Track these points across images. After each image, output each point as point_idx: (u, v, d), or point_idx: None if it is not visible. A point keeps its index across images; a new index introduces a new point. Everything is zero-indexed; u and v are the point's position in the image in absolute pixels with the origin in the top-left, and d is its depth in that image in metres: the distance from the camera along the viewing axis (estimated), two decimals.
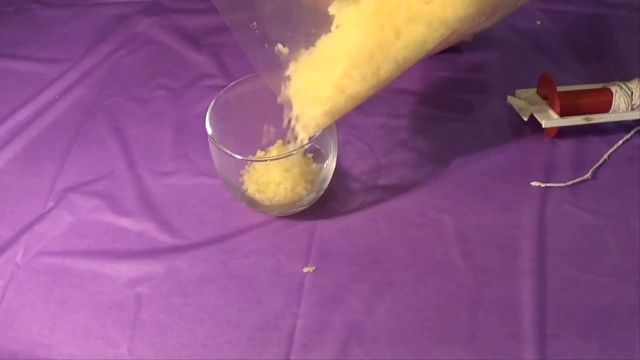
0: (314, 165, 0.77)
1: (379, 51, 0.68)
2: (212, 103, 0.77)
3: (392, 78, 0.71)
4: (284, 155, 0.72)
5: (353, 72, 0.69)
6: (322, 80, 0.71)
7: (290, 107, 0.74)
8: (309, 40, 0.73)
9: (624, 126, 0.84)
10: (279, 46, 0.74)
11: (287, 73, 0.74)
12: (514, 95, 0.87)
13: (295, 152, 0.72)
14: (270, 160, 0.72)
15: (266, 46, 0.74)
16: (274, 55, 0.74)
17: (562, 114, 0.82)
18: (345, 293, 0.72)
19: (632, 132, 0.83)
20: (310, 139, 0.73)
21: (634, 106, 0.82)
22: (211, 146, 0.74)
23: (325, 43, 0.73)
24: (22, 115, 0.97)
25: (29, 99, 1.00)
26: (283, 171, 0.74)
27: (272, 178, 0.74)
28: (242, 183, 0.76)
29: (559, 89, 0.83)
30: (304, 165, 0.75)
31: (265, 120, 0.80)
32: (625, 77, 0.84)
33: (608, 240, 0.74)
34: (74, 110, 0.97)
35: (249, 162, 0.77)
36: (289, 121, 0.75)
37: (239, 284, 0.74)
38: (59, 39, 1.10)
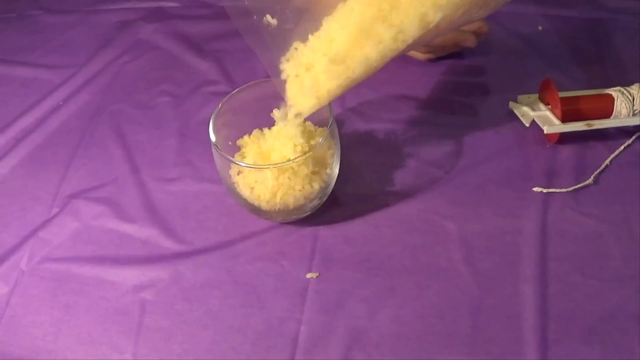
0: (317, 169, 0.76)
1: (378, 24, 0.69)
2: (215, 110, 0.77)
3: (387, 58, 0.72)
4: (286, 162, 0.72)
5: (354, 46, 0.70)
6: (320, 60, 0.72)
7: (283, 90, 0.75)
8: (299, 15, 0.73)
9: (625, 131, 0.84)
10: (268, 17, 0.73)
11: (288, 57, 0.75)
12: (515, 100, 0.88)
13: (298, 159, 0.72)
14: (273, 167, 0.72)
15: (255, 17, 0.73)
16: (266, 30, 0.74)
17: (564, 119, 0.82)
18: (349, 299, 0.72)
19: (634, 137, 0.84)
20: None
21: (635, 111, 0.82)
22: (215, 153, 0.75)
23: (326, 25, 0.73)
24: (25, 121, 0.98)
25: (33, 106, 1.00)
26: (285, 177, 0.74)
27: (272, 183, 0.74)
28: (242, 189, 0.76)
29: (561, 94, 0.83)
30: (305, 170, 0.75)
31: (268, 126, 0.80)
32: (627, 83, 0.84)
33: (610, 245, 0.74)
34: (77, 117, 0.97)
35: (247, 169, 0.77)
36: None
37: (243, 290, 0.74)
38: (62, 45, 1.10)
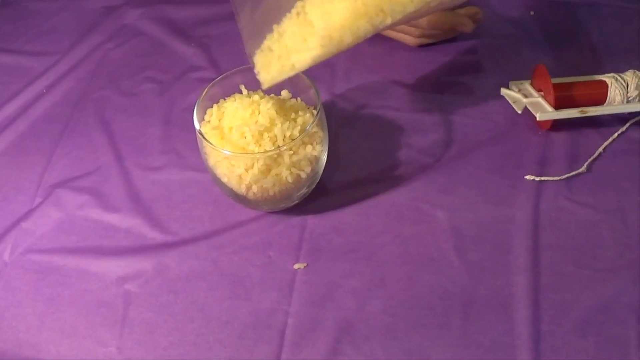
0: (305, 157, 0.74)
1: None
2: (200, 97, 0.76)
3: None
4: (273, 151, 0.71)
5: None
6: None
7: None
8: None
9: (619, 118, 0.83)
10: None
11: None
12: (507, 87, 0.86)
13: (284, 147, 0.71)
14: (259, 154, 0.71)
15: None
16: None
17: (557, 106, 0.81)
18: (337, 290, 0.71)
19: (628, 124, 0.82)
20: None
21: (629, 98, 0.81)
22: (199, 141, 0.73)
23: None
24: (9, 109, 0.96)
25: (16, 93, 0.98)
26: (272, 165, 0.72)
27: (257, 171, 0.72)
28: (227, 178, 0.74)
29: (554, 80, 0.81)
30: (292, 157, 0.73)
31: None
32: (621, 69, 0.83)
33: (604, 235, 0.73)
34: (61, 104, 0.96)
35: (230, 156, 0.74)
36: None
37: (229, 281, 0.73)
38: (46, 31, 1.09)
